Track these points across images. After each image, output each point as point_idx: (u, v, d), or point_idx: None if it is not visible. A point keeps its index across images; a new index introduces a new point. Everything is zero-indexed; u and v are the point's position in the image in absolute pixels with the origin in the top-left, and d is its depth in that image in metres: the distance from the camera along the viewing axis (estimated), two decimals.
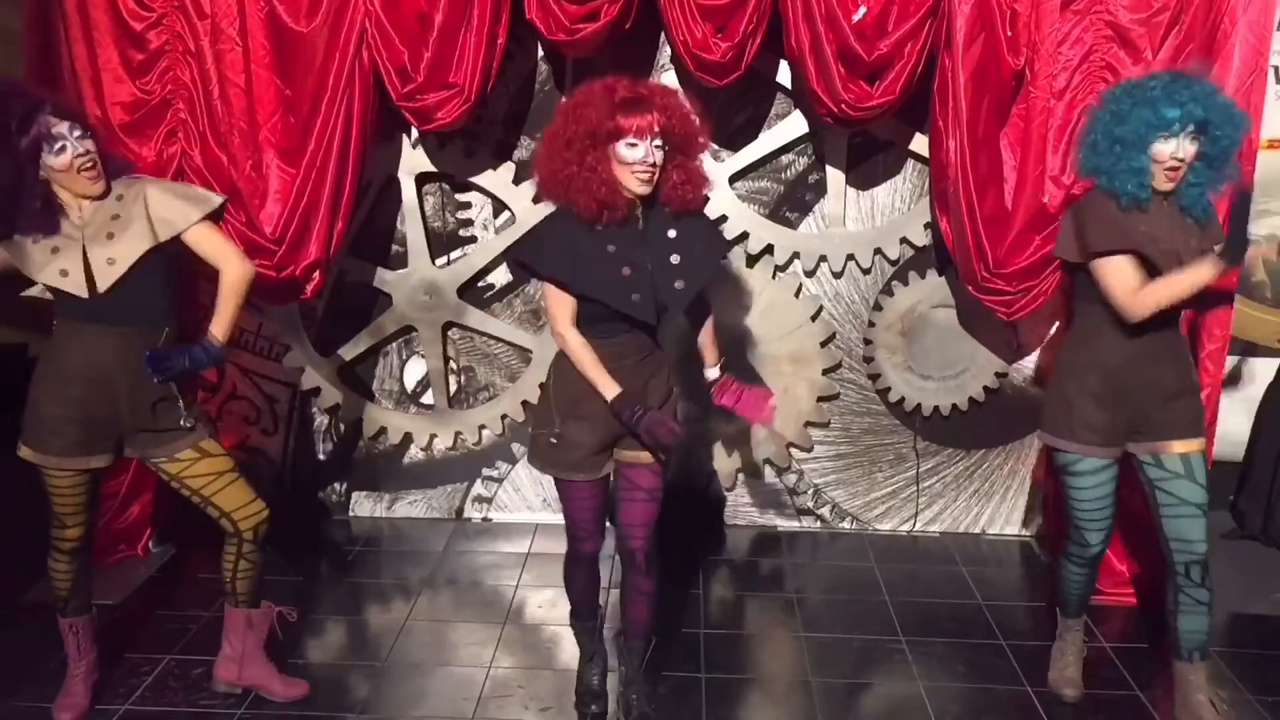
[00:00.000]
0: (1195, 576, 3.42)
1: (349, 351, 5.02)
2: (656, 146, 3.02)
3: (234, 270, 3.38)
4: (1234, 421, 4.95)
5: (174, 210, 3.29)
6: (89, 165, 3.18)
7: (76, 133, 3.15)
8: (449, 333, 5.01)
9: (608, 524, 3.40)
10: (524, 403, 5.03)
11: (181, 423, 3.38)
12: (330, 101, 4.14)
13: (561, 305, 3.13)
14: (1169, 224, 3.25)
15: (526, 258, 3.22)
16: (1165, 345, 3.35)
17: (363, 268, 4.93)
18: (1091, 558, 3.58)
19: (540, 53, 4.73)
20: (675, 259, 3.13)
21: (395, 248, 4.94)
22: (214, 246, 3.38)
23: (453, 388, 5.09)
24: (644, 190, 3.05)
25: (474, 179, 4.82)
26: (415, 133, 4.71)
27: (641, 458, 3.29)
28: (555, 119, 3.10)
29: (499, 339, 5.02)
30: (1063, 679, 3.76)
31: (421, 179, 4.86)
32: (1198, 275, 3.15)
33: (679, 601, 4.40)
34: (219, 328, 3.37)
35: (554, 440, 3.21)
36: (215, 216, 3.41)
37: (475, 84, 4.14)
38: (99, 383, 3.28)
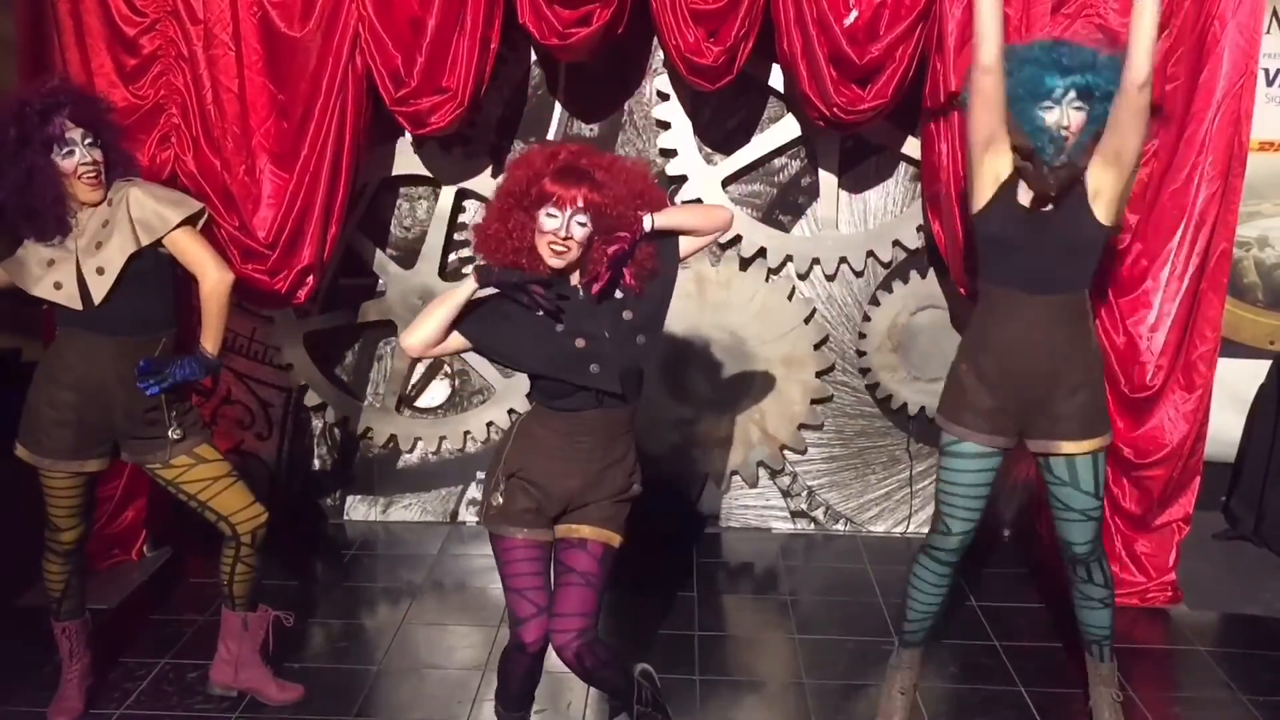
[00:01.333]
0: (1081, 572, 3.40)
1: (322, 322, 5.01)
2: (579, 223, 2.78)
3: (210, 279, 3.33)
4: (1226, 422, 4.97)
5: (153, 214, 3.28)
6: (91, 174, 3.20)
7: (88, 140, 3.19)
8: None
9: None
10: (509, 411, 5.04)
11: (170, 434, 3.38)
12: (323, 106, 4.15)
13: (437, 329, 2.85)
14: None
15: (465, 327, 2.89)
16: (1068, 336, 3.21)
17: (357, 271, 4.94)
18: (950, 549, 3.35)
19: (533, 57, 4.75)
20: (628, 314, 2.91)
21: (389, 251, 4.95)
22: (192, 253, 3.33)
23: (446, 392, 5.10)
24: (557, 265, 2.82)
25: (466, 184, 4.83)
26: (409, 137, 4.71)
27: (578, 532, 3.00)
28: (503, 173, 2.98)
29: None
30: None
31: (413, 182, 4.87)
32: None
33: (672, 604, 4.40)
34: (209, 340, 3.37)
35: (496, 501, 2.99)
36: (195, 221, 3.37)
37: (468, 88, 4.15)
38: (93, 391, 3.30)
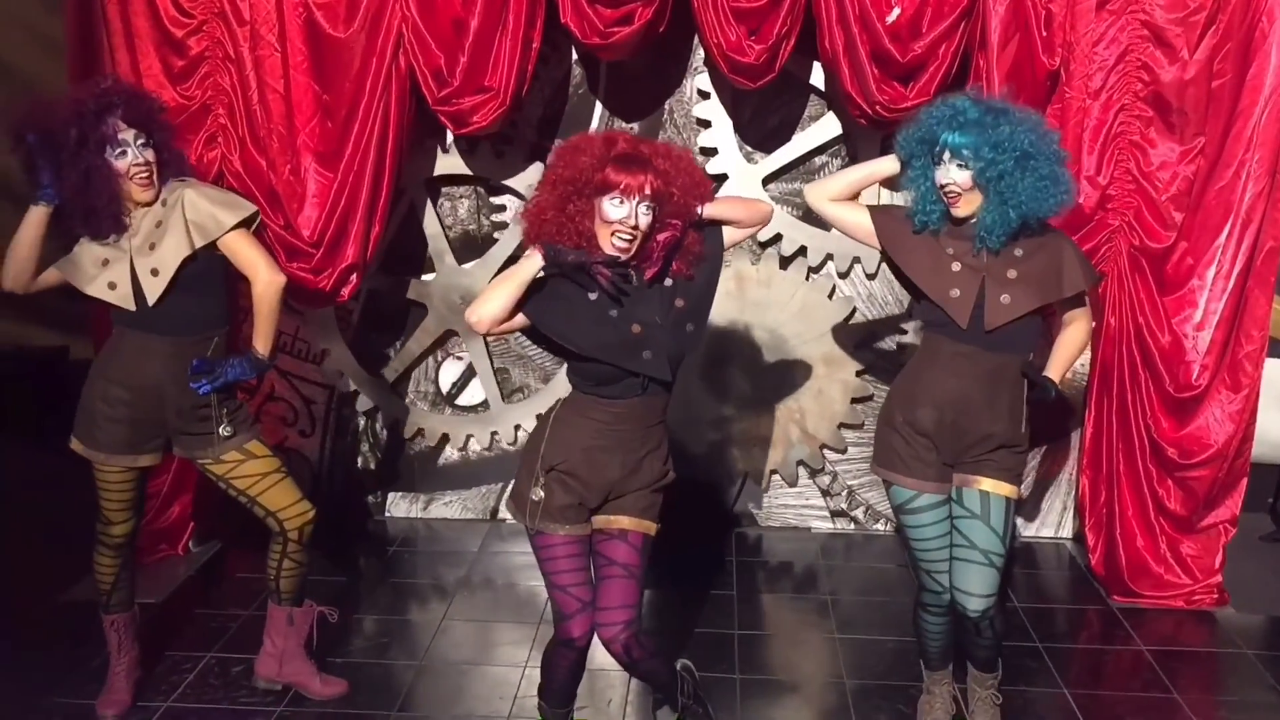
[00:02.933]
0: (971, 627, 3.24)
1: (393, 370, 5.11)
2: (644, 210, 2.80)
3: (261, 280, 3.37)
4: (1273, 423, 4.90)
5: (208, 216, 3.31)
6: (144, 175, 3.25)
7: (140, 141, 3.24)
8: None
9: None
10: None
11: (220, 431, 3.42)
12: (367, 106, 4.19)
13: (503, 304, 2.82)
14: (976, 256, 3.08)
15: (527, 307, 2.87)
16: (1007, 392, 3.12)
17: (399, 270, 4.98)
18: (947, 603, 3.27)
19: (574, 56, 4.76)
20: (680, 302, 2.93)
21: (429, 250, 4.98)
22: (245, 255, 3.37)
23: (482, 392, 5.12)
24: (618, 254, 2.82)
25: (508, 182, 4.85)
26: (450, 136, 4.74)
27: (617, 523, 3.02)
28: (550, 160, 2.96)
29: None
30: None
31: (454, 181, 4.90)
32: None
33: (712, 603, 4.41)
34: (260, 341, 3.41)
35: (537, 497, 2.98)
36: (249, 223, 3.41)
37: (510, 88, 4.17)
38: (146, 388, 3.35)
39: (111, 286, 3.28)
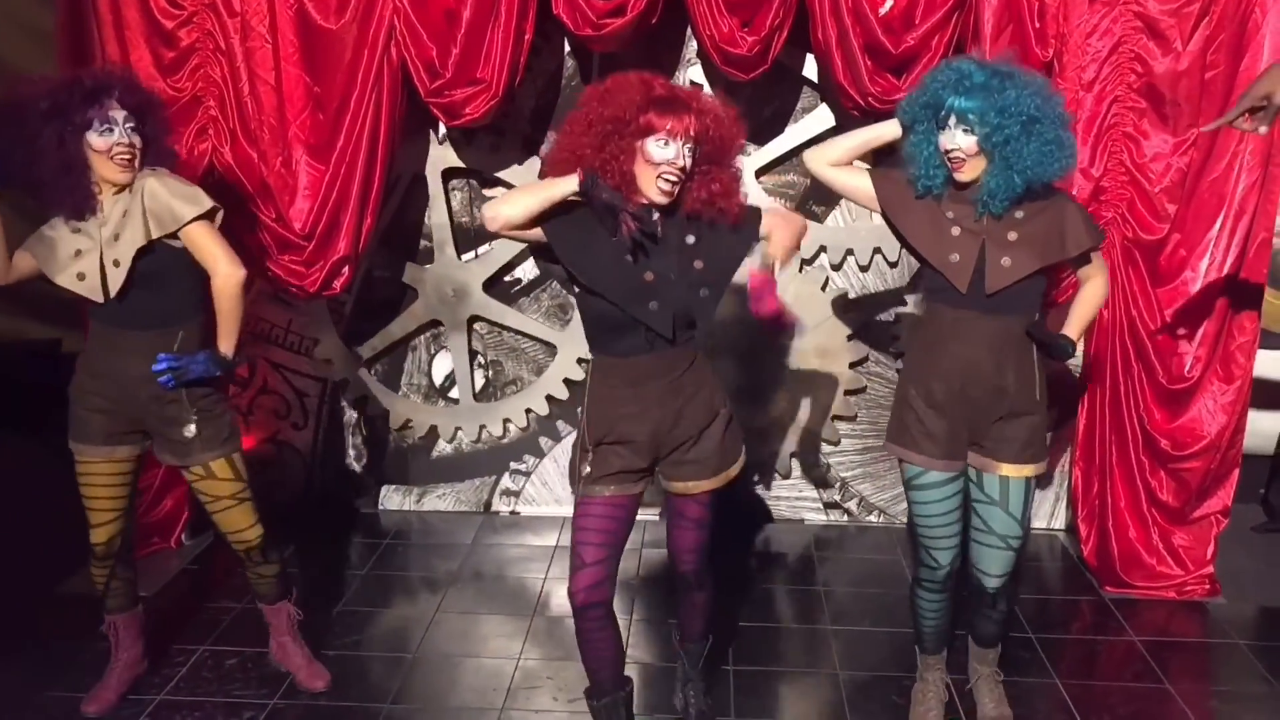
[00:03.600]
0: (988, 601, 3.37)
1: (371, 348, 5.09)
2: (688, 150, 2.81)
3: (220, 274, 3.28)
4: (1265, 415, 4.92)
5: (164, 208, 3.23)
6: (125, 156, 3.19)
7: (130, 124, 3.19)
8: (474, 327, 5.05)
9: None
10: (548, 397, 5.06)
11: (184, 432, 3.35)
12: (359, 98, 4.17)
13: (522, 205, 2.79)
14: (963, 208, 3.09)
15: (549, 225, 2.85)
16: (1014, 356, 3.13)
17: (391, 263, 4.97)
18: (942, 579, 3.32)
19: (567, 48, 4.75)
20: (699, 264, 2.90)
21: (423, 243, 4.97)
22: (204, 248, 3.28)
23: (480, 382, 5.12)
24: (662, 198, 2.82)
25: (500, 174, 4.84)
26: (443, 128, 4.73)
27: (690, 489, 3.10)
28: (581, 101, 2.89)
29: (522, 333, 5.06)
30: None
31: (447, 174, 4.89)
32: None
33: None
34: (223, 339, 3.33)
35: (585, 472, 2.99)
36: (211, 217, 3.31)
37: (503, 79, 4.16)
38: (116, 382, 3.32)
39: (80, 277, 3.23)
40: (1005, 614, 3.40)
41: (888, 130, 3.19)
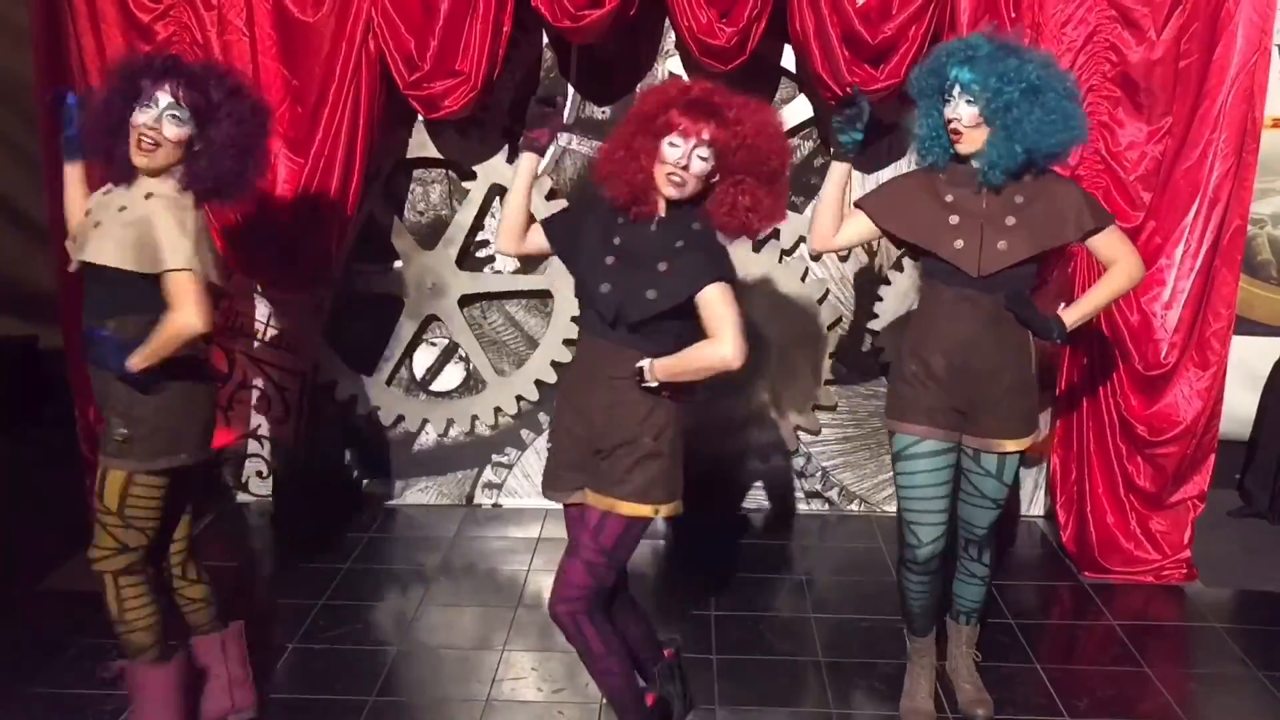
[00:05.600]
0: (973, 552, 3.44)
1: (385, 369, 5.10)
2: (700, 156, 2.76)
3: (178, 320, 2.92)
4: (1240, 400, 4.97)
5: (148, 248, 2.94)
6: (148, 141, 2.94)
7: (174, 113, 2.94)
8: (465, 311, 5.05)
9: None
10: (537, 381, 5.07)
11: (113, 433, 3.03)
12: (337, 91, 4.17)
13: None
14: (980, 200, 3.11)
15: (544, 223, 3.03)
16: (1009, 334, 3.15)
17: (371, 260, 4.97)
18: (925, 560, 3.30)
19: (545, 40, 4.75)
20: (663, 268, 2.80)
21: (399, 242, 4.97)
22: (174, 292, 2.94)
23: (460, 375, 5.12)
24: (671, 194, 2.79)
25: (478, 167, 4.84)
26: (421, 120, 4.72)
27: (585, 499, 2.93)
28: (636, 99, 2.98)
29: (513, 293, 5.04)
30: (912, 709, 3.51)
31: (415, 164, 4.90)
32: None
33: (688, 584, 4.43)
34: (138, 354, 2.92)
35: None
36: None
37: (481, 72, 4.17)
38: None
39: (73, 239, 3.10)
40: (987, 573, 3.46)
41: (837, 173, 3.27)
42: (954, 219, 3.11)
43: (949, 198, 3.13)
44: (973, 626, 3.59)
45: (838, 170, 3.28)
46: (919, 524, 3.28)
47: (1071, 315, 3.19)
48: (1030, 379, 3.24)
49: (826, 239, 3.33)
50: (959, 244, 3.10)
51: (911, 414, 3.24)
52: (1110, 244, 3.17)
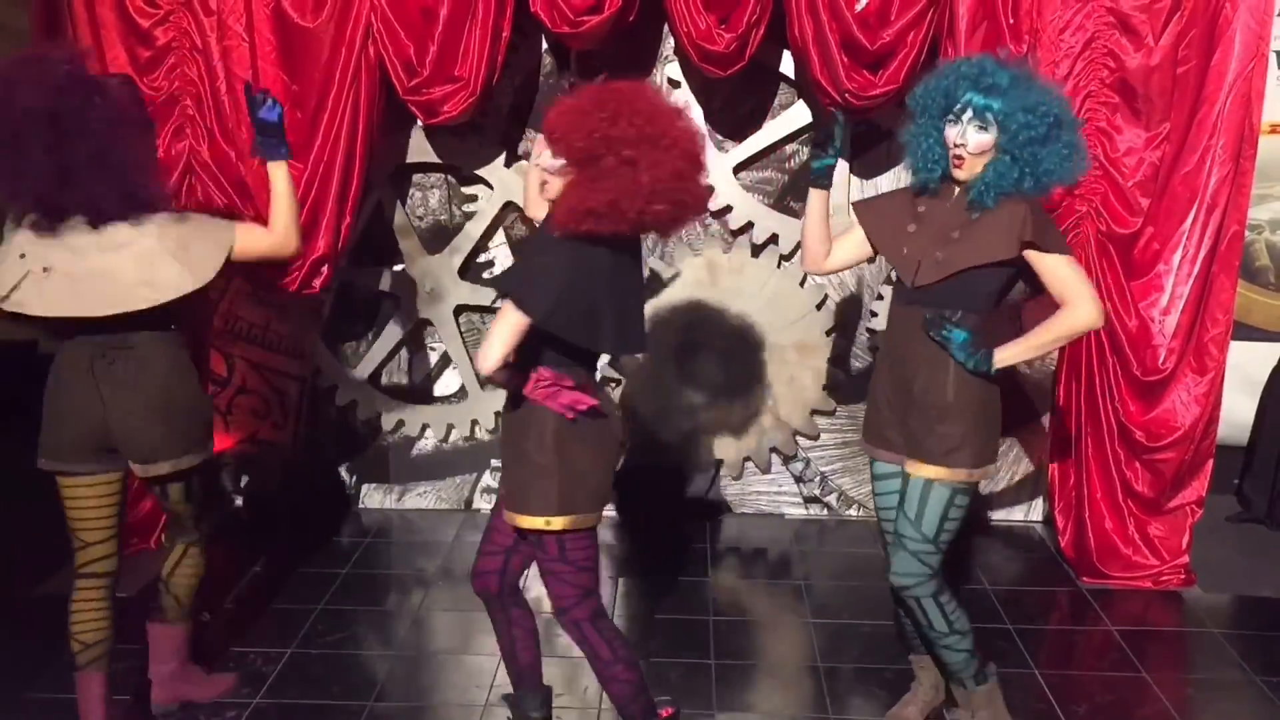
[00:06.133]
0: (909, 606, 3.18)
1: (368, 366, 5.10)
2: (549, 154, 2.78)
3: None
4: (1238, 405, 4.98)
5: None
6: None
7: None
8: (459, 319, 5.05)
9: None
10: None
11: None
12: (337, 96, 4.17)
13: None
14: (944, 213, 3.05)
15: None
16: (948, 362, 3.01)
17: (368, 263, 4.97)
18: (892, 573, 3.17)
19: (544, 45, 4.75)
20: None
21: (400, 242, 4.97)
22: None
23: (458, 381, 5.12)
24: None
25: (494, 181, 4.84)
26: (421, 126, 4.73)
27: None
28: None
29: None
30: (892, 716, 3.50)
31: (404, 172, 4.91)
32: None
33: (686, 589, 4.43)
34: None
35: None
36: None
37: (480, 77, 4.17)
38: None
39: None
40: (945, 634, 3.14)
41: (813, 199, 3.28)
42: (912, 227, 3.09)
43: (921, 208, 3.11)
44: (982, 686, 3.31)
45: (812, 196, 3.27)
46: (888, 543, 3.25)
47: (1005, 353, 3.00)
48: (971, 405, 3.03)
49: (816, 262, 3.34)
50: (905, 251, 3.09)
51: (868, 433, 3.27)
52: (1061, 277, 2.96)
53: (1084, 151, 3.00)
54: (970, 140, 2.93)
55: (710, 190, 3.04)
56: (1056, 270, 2.96)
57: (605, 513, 3.03)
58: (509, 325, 2.71)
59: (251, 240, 3.24)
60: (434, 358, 5.11)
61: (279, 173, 3.26)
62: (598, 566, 3.04)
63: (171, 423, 3.17)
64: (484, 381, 2.79)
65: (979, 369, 2.98)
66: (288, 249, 3.29)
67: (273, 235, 3.26)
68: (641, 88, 2.81)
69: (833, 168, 3.24)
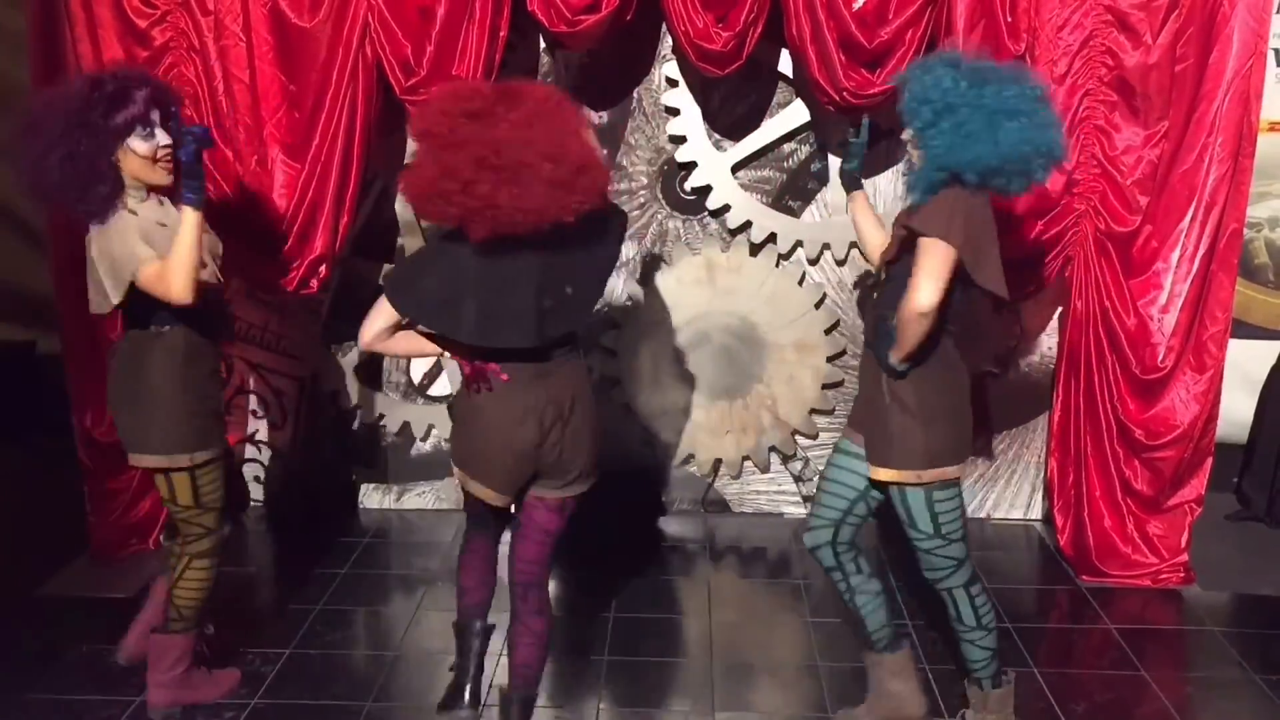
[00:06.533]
0: (945, 600, 3.28)
1: (381, 373, 5.12)
2: None
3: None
4: (1237, 403, 4.97)
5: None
6: (169, 159, 3.14)
7: (163, 125, 3.14)
8: None
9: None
10: None
11: None
12: (334, 96, 4.17)
13: None
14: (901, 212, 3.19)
15: None
16: (886, 345, 3.06)
17: (367, 263, 4.96)
18: (809, 547, 3.36)
19: (542, 45, 4.75)
20: None
21: (404, 241, 4.96)
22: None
23: (456, 382, 5.11)
24: None
25: None
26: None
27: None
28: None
29: None
30: (845, 714, 3.53)
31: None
32: None
33: (686, 589, 4.43)
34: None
35: None
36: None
37: (478, 77, 4.16)
38: None
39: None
40: (972, 629, 3.26)
41: (851, 204, 3.52)
42: (889, 227, 3.27)
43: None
44: (999, 689, 3.34)
45: (850, 201, 3.52)
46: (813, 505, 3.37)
47: (897, 352, 3.02)
48: (920, 408, 3.05)
49: (877, 255, 3.40)
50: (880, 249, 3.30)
51: (849, 421, 3.36)
52: (918, 259, 2.93)
53: (997, 139, 2.85)
54: (905, 135, 3.07)
55: (575, 204, 2.81)
56: (919, 252, 2.93)
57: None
58: (379, 312, 3.00)
59: (150, 281, 3.09)
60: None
61: (187, 218, 3.07)
62: None
63: (135, 417, 3.27)
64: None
65: (886, 369, 3.07)
66: (179, 299, 3.09)
67: (163, 285, 3.08)
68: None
69: (859, 171, 3.42)
